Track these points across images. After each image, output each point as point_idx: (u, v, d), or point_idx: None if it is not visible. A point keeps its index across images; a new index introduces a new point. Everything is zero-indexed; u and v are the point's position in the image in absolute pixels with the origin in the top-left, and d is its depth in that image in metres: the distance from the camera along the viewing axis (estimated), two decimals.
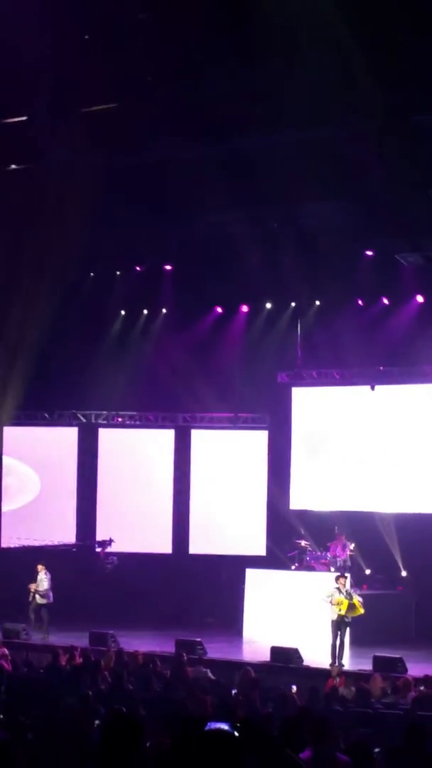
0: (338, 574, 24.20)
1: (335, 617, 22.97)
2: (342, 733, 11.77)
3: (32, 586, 26.09)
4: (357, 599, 23.10)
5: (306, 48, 18.27)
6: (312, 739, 8.78)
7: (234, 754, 4.42)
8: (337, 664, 22.32)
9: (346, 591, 23.16)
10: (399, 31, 17.88)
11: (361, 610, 23.04)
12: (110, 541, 26.38)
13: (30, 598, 26.09)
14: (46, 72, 19.73)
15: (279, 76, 19.22)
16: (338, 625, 23.00)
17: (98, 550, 26.65)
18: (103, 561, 26.43)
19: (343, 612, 22.89)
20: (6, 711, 13.53)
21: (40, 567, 26.30)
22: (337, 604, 22.91)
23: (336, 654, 22.77)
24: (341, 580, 23.38)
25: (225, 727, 4.86)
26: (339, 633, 22.97)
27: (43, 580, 26.17)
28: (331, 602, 23.03)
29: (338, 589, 23.06)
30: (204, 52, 18.59)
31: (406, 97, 19.14)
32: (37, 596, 26.08)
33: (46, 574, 26.20)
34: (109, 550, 26.40)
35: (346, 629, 23.09)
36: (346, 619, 23.00)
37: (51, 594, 26.05)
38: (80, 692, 15.43)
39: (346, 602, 22.90)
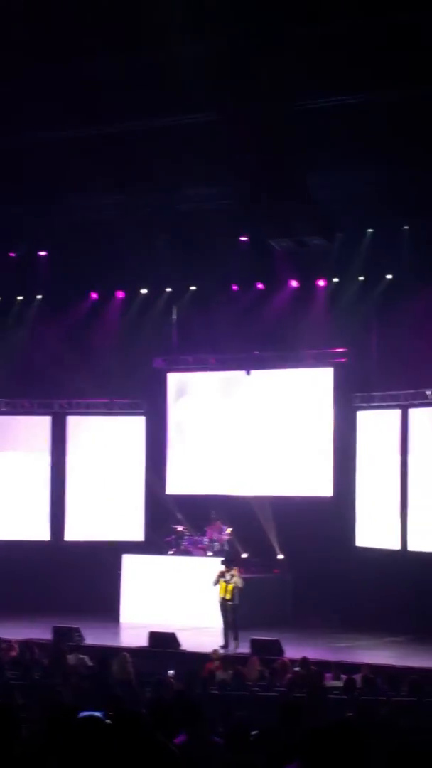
0: (225, 558, 24.93)
1: (220, 599, 23.60)
2: (220, 717, 11.85)
3: None
4: (233, 584, 23.59)
5: (182, 32, 18.22)
6: (185, 723, 8.81)
7: (105, 741, 4.42)
8: (223, 645, 22.75)
9: (230, 575, 23.68)
10: (276, 16, 17.93)
11: (225, 595, 23.68)
12: None
13: None
14: None
15: (155, 59, 19.18)
16: (224, 607, 23.55)
17: None
18: None
19: (222, 594, 23.52)
20: None
21: None
22: (222, 587, 23.64)
23: (226, 635, 23.25)
24: (229, 565, 24.09)
25: (97, 714, 4.85)
26: (225, 615, 23.48)
27: None
28: (216, 585, 23.83)
29: (222, 572, 23.69)
30: (75, 35, 18.45)
31: (281, 82, 19.22)
32: None
33: None
34: None
35: (233, 611, 23.56)
36: (230, 602, 23.49)
37: None
38: None
39: (223, 585, 23.54)
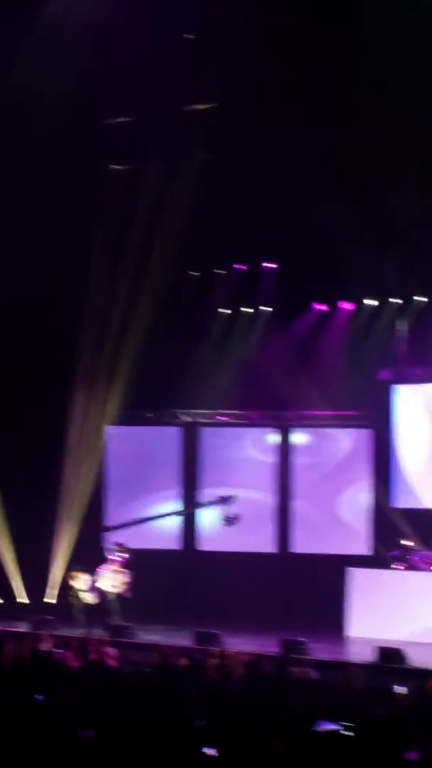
0: None
1: None
2: None
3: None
4: None
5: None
6: (420, 740, 8.62)
7: (351, 754, 4.35)
8: None
9: None
10: None
11: None
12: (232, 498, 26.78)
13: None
14: (148, 72, 19.79)
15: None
16: None
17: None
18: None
19: None
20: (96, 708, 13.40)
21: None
22: None
23: None
24: None
25: (337, 727, 4.78)
26: None
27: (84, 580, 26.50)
28: None
29: None
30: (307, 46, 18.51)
31: None
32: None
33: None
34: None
35: None
36: None
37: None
38: (186, 692, 15.39)
39: None
